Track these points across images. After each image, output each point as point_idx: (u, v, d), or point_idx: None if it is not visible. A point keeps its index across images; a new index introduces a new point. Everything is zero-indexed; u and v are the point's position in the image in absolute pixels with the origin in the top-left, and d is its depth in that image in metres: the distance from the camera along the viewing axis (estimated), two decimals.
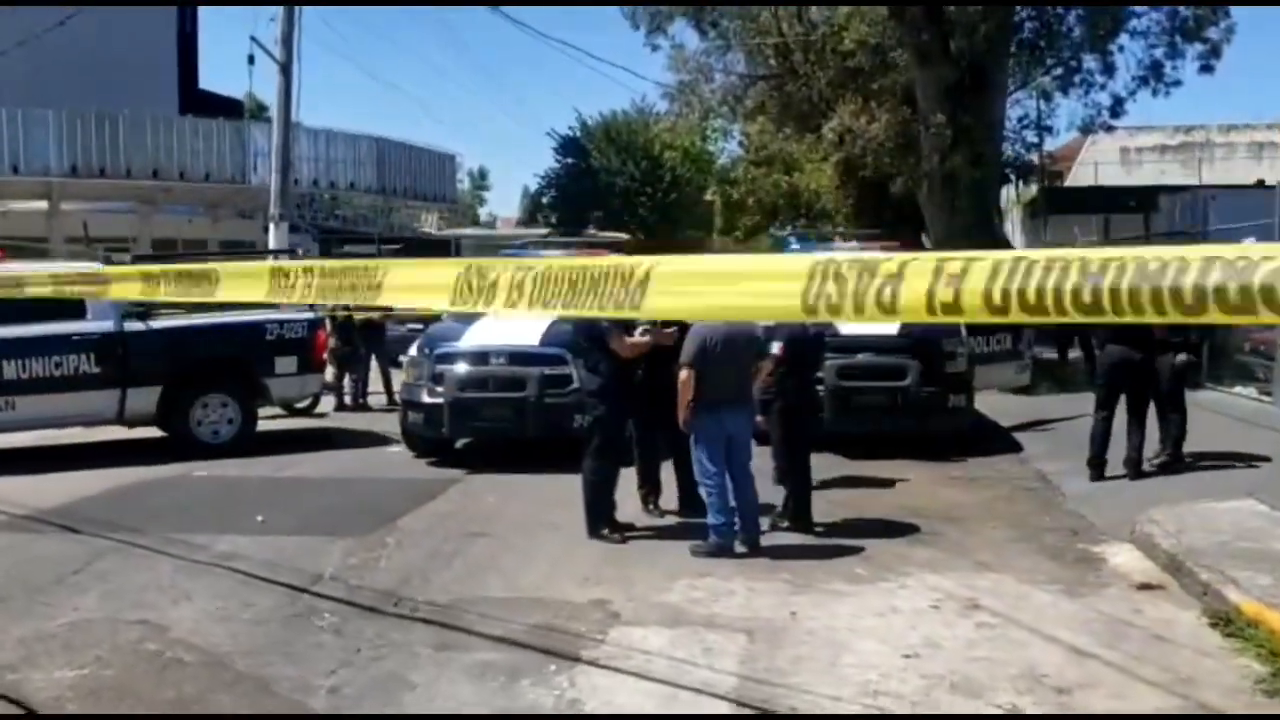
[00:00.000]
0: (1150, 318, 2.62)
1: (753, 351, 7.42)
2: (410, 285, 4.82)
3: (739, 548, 7.05)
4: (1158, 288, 2.57)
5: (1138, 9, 19.73)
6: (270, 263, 5.99)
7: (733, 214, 44.51)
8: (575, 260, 4.60)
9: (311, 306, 12.74)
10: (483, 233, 51.51)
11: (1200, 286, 2.49)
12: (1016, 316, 2.82)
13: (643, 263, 3.78)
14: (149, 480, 9.87)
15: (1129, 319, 2.67)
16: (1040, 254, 2.83)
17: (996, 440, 11.30)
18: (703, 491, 7.18)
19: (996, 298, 2.81)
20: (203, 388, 11.17)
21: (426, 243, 40.73)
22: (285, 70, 18.26)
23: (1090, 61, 20.97)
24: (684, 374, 7.04)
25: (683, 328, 7.28)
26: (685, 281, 3.80)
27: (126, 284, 6.92)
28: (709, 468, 7.11)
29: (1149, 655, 5.17)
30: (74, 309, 10.44)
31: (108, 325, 10.68)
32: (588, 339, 7.91)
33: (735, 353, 7.14)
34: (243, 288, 5.86)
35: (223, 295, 5.73)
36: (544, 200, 48.18)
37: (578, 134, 45.77)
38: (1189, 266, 2.52)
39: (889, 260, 3.09)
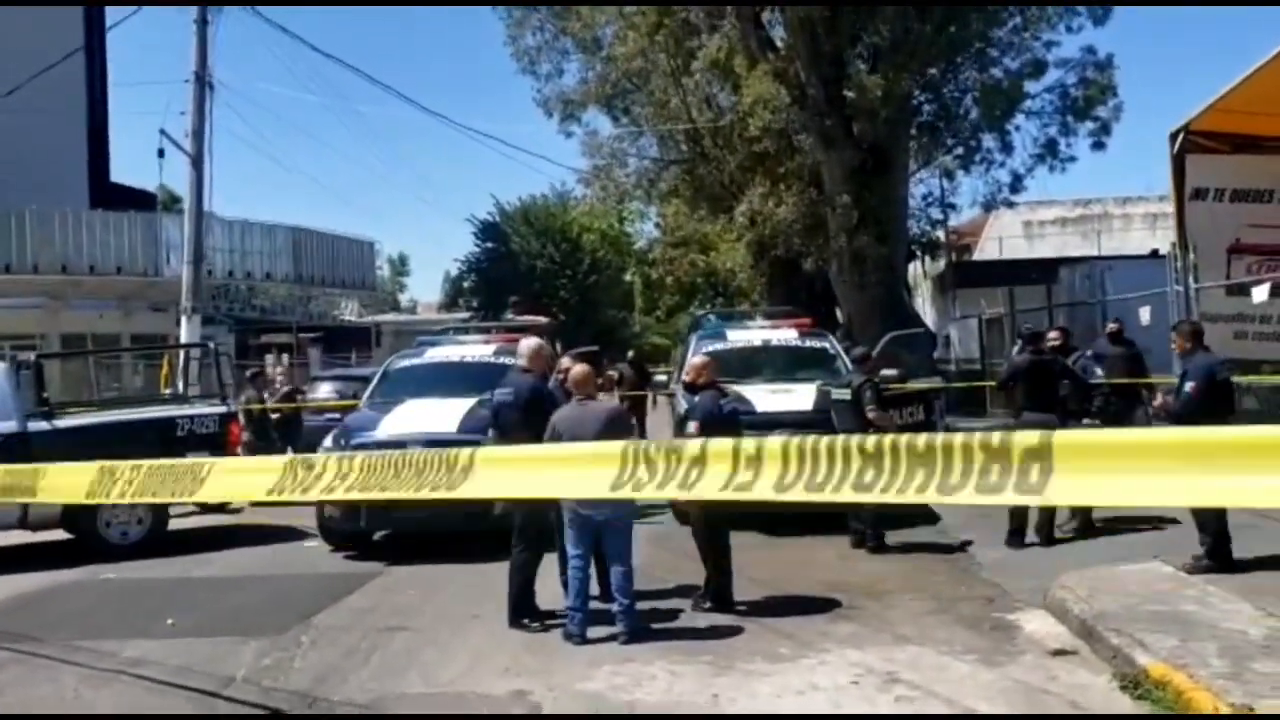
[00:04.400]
0: (912, 497, 3.07)
1: (616, 433, 7.11)
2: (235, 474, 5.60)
3: (620, 638, 6.94)
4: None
5: (1030, 90, 20.64)
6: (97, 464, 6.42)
7: (652, 294, 45.09)
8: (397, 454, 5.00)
9: (224, 399, 12.61)
10: (403, 319, 51.32)
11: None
12: (800, 496, 3.34)
13: (465, 452, 4.41)
14: (54, 585, 9.53)
15: (892, 499, 3.14)
16: (824, 442, 3.34)
17: (915, 513, 11.44)
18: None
19: (788, 480, 3.32)
20: None
21: (346, 330, 40.50)
22: (196, 163, 18.17)
23: (989, 140, 21.85)
24: None
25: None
26: (509, 465, 4.42)
27: None
28: (570, 551, 7.14)
29: None
30: None
31: (11, 425, 10.39)
32: (529, 401, 7.71)
33: (592, 439, 6.83)
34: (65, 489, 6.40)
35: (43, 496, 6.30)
36: (465, 285, 48.24)
37: (496, 219, 46.10)
38: (954, 456, 3.02)
39: (694, 445, 3.66)
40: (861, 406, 9.77)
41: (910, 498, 2.99)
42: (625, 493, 3.70)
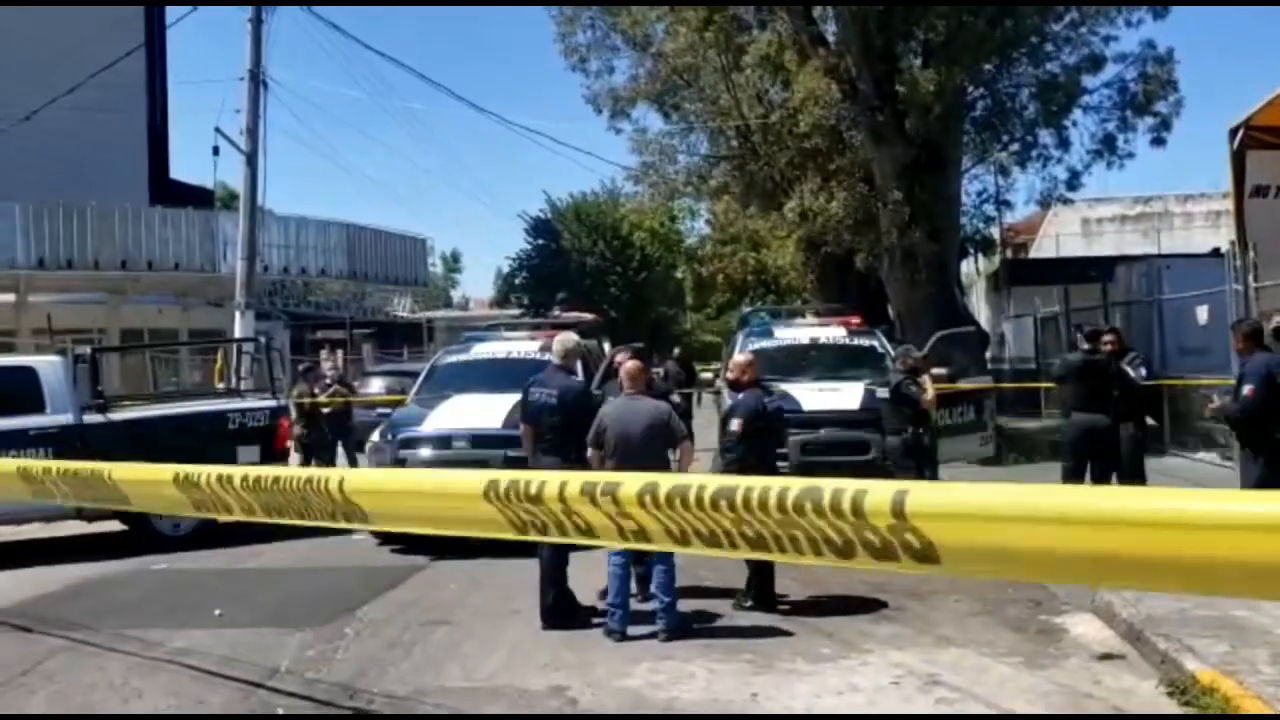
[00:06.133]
0: (809, 560, 3.00)
1: (663, 437, 7.28)
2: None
3: (660, 635, 6.94)
4: (812, 538, 2.93)
5: (1088, 85, 20.27)
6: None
7: (703, 292, 44.97)
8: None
9: (275, 393, 12.78)
10: (455, 315, 51.78)
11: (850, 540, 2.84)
12: (700, 550, 3.30)
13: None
14: (107, 575, 9.73)
15: (790, 559, 3.08)
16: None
17: None
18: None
19: (676, 532, 3.27)
20: None
21: (399, 326, 40.92)
22: (250, 160, 18.44)
23: (1045, 136, 21.46)
24: (589, 453, 7.17)
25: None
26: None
27: None
28: (612, 553, 7.12)
29: None
30: (32, 402, 10.38)
31: (67, 418, 10.61)
32: (576, 405, 7.66)
33: (638, 436, 7.10)
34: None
35: None
36: (516, 281, 48.47)
37: (548, 216, 46.28)
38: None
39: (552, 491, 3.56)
40: (897, 404, 9.86)
41: (810, 560, 3.00)
42: (532, 534, 3.75)
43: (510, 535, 3.77)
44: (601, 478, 3.47)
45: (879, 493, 2.70)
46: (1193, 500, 2.30)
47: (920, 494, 2.66)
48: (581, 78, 23.87)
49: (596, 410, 7.53)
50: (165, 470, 5.47)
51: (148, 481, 5.87)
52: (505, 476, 3.75)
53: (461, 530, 4.29)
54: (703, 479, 3.30)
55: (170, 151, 39.37)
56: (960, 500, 2.67)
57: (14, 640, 7.47)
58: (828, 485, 2.87)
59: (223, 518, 5.50)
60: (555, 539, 3.73)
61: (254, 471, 5.01)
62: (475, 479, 3.91)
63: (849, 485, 2.82)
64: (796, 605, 7.70)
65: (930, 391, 9.97)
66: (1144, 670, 5.99)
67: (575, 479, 3.51)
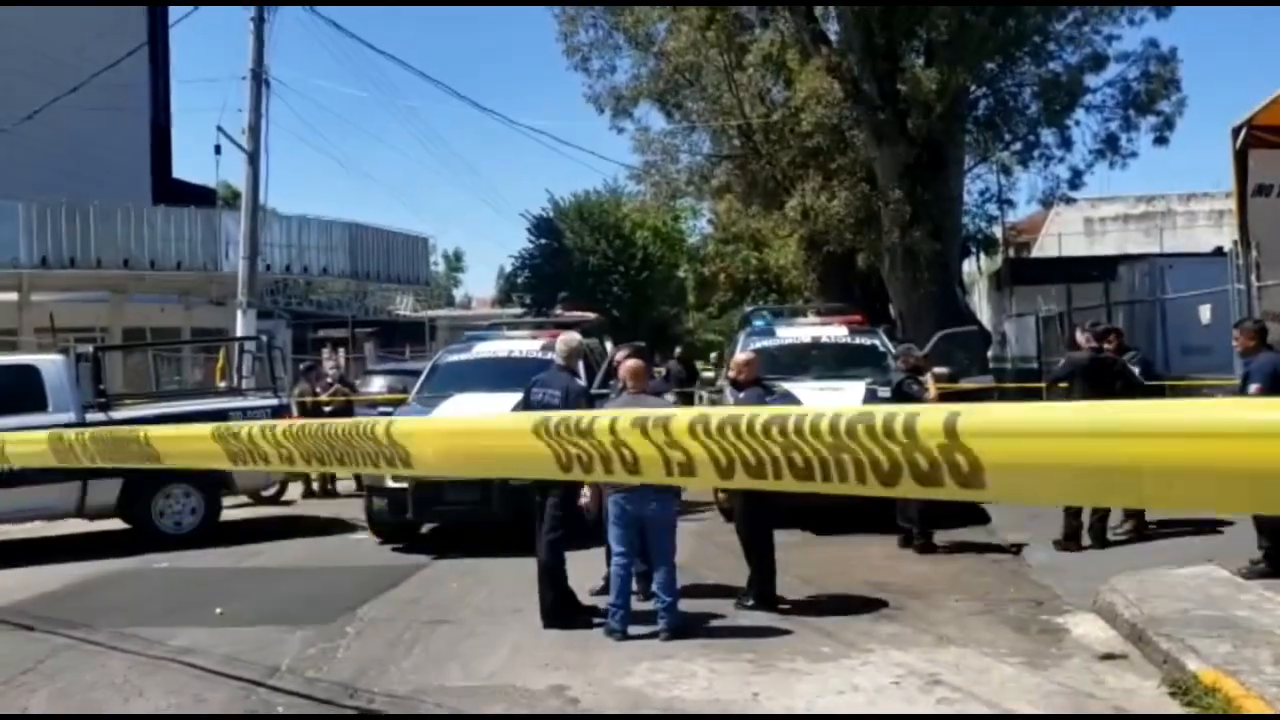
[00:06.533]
0: (851, 488, 2.90)
1: None
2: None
3: (661, 635, 6.93)
4: (859, 462, 2.87)
5: (1090, 84, 20.25)
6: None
7: (705, 291, 44.93)
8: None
9: (276, 392, 12.78)
10: (457, 314, 51.74)
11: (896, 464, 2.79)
12: (743, 482, 3.22)
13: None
14: (109, 573, 9.73)
15: (832, 487, 2.96)
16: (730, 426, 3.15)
17: (965, 512, 11.29)
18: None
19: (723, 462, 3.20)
20: (165, 478, 11.05)
21: (401, 325, 40.89)
22: (252, 159, 18.44)
23: (1047, 136, 21.46)
24: None
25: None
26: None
27: None
28: (614, 548, 7.13)
29: None
30: (34, 401, 10.39)
31: (69, 417, 10.60)
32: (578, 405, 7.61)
33: None
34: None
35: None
36: (518, 280, 48.40)
37: (550, 215, 46.24)
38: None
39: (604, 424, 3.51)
40: (901, 401, 9.78)
41: (852, 489, 2.89)
42: (576, 473, 3.68)
43: (555, 474, 3.74)
44: (653, 413, 3.46)
45: (931, 414, 2.73)
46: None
47: (971, 414, 2.68)
48: (584, 77, 23.86)
49: (592, 394, 7.51)
50: (203, 428, 5.63)
51: (183, 437, 5.99)
52: (555, 415, 3.82)
53: (506, 471, 4.29)
54: (755, 409, 3.32)
55: (173, 150, 39.47)
56: (1008, 418, 2.74)
57: (15, 639, 7.48)
58: (880, 409, 2.88)
59: (260, 468, 5.49)
60: (599, 476, 3.71)
61: (297, 422, 5.10)
62: (524, 417, 4.02)
63: (901, 409, 2.84)
64: (797, 605, 7.68)
65: (932, 390, 9.96)
66: (1146, 670, 5.97)
67: (626, 413, 3.54)
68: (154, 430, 5.91)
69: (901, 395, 9.84)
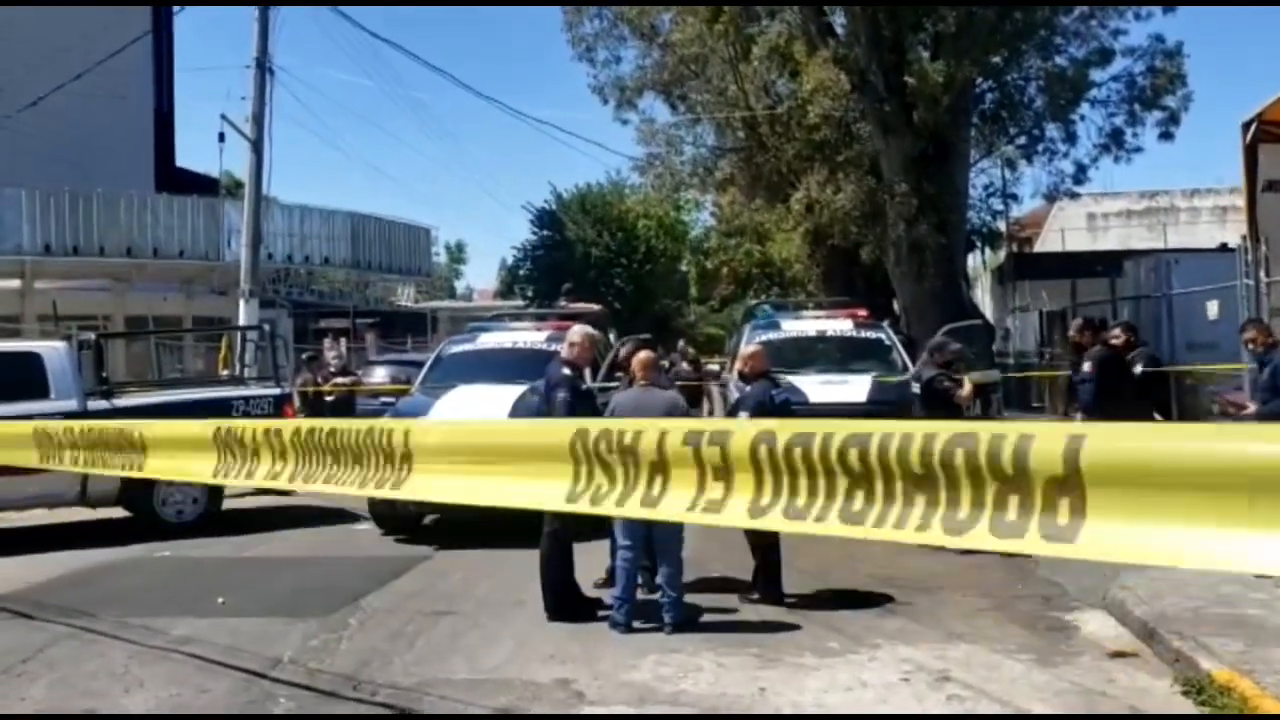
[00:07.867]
0: (912, 536, 2.65)
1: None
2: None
3: (666, 629, 6.88)
4: (934, 500, 2.60)
5: (1096, 79, 20.17)
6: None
7: (707, 284, 44.87)
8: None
9: (279, 381, 12.72)
10: (459, 305, 51.66)
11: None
12: (779, 524, 3.00)
13: (400, 433, 4.37)
14: (110, 562, 9.68)
15: (888, 536, 2.72)
16: (799, 452, 2.90)
17: None
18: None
19: (763, 502, 3.04)
20: None
21: (403, 316, 40.82)
22: (256, 147, 18.36)
23: (1052, 130, 21.39)
24: None
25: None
26: (449, 469, 4.38)
27: None
28: (620, 541, 7.08)
29: None
30: (37, 388, 10.32)
31: (71, 404, 10.53)
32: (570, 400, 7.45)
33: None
34: None
35: None
36: (520, 272, 48.34)
37: (553, 206, 46.14)
38: (959, 483, 2.51)
39: (651, 446, 3.34)
40: (929, 400, 9.65)
41: (909, 536, 2.53)
42: (583, 506, 3.53)
43: (559, 505, 3.71)
44: (709, 425, 3.36)
45: (1049, 438, 2.29)
46: None
47: (1096, 437, 2.22)
48: (588, 67, 23.79)
49: (580, 389, 7.45)
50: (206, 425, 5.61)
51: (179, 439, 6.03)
52: (595, 427, 3.68)
53: (500, 500, 4.25)
54: (830, 423, 2.97)
55: (176, 139, 39.34)
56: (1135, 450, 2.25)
57: (16, 627, 7.42)
58: (985, 428, 2.48)
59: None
60: (608, 510, 3.57)
61: (306, 424, 5.08)
62: (563, 428, 3.93)
63: (1011, 428, 2.42)
64: (804, 599, 7.63)
65: (968, 386, 9.73)
66: (1158, 669, 5.91)
67: (679, 425, 3.41)
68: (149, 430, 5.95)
69: (932, 393, 9.67)
